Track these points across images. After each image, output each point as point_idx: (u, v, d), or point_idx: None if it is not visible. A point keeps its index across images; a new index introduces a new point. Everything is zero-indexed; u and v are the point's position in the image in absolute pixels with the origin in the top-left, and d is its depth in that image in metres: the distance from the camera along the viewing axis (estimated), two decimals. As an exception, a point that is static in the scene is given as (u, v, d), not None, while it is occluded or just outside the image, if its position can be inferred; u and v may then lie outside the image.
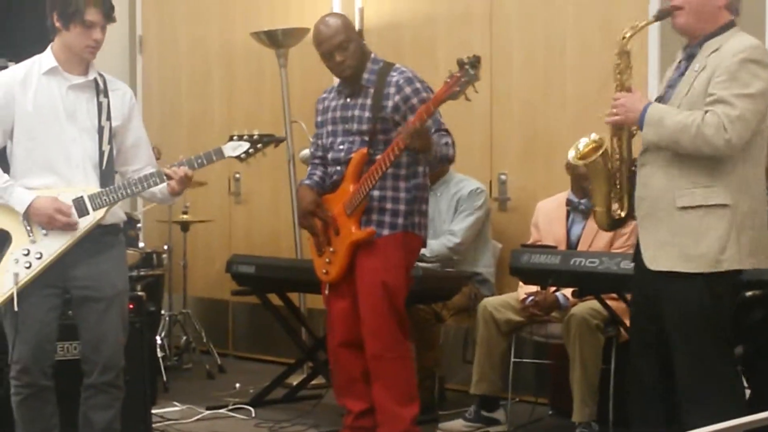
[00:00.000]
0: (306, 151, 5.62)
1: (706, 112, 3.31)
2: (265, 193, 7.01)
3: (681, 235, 3.40)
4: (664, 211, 3.43)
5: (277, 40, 6.22)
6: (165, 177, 3.90)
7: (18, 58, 4.08)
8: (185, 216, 6.59)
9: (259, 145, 4.03)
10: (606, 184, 3.64)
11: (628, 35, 3.53)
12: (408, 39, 6.09)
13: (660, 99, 3.53)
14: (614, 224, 3.69)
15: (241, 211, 7.19)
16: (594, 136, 3.71)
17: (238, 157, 4.01)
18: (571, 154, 3.73)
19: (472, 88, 4.02)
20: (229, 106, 7.24)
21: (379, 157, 4.35)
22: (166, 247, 6.60)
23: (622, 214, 3.63)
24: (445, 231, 5.48)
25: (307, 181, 4.63)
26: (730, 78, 3.32)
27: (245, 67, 7.13)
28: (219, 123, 7.23)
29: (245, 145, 4.01)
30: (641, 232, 3.55)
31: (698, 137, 3.31)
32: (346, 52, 4.44)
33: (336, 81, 4.72)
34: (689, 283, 3.38)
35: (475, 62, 4.00)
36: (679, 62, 3.54)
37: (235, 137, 4.02)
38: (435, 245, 5.34)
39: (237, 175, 7.09)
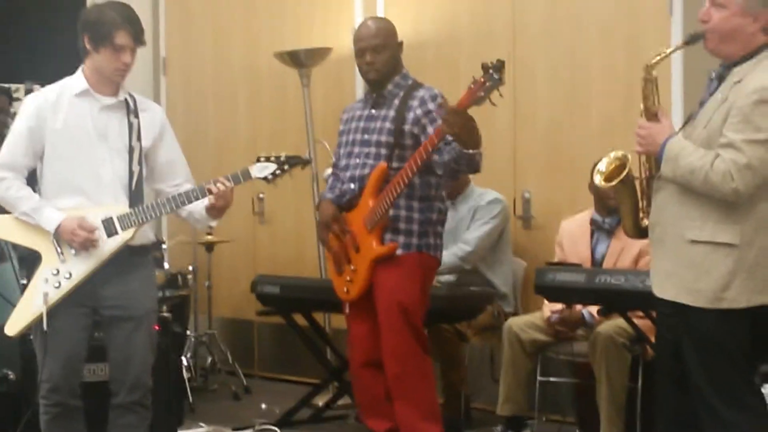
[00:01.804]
0: (329, 170, 5.63)
1: (717, 156, 3.25)
2: (289, 213, 7.02)
3: (684, 267, 3.34)
4: (672, 241, 3.38)
5: (300, 60, 6.25)
6: (201, 193, 3.91)
7: (46, 81, 4.11)
8: (210, 237, 6.61)
9: (285, 167, 4.05)
10: (632, 200, 3.61)
11: (653, 62, 3.45)
12: (431, 57, 6.09)
13: (692, 117, 3.47)
14: (642, 233, 3.61)
15: (266, 231, 7.20)
16: (615, 153, 3.66)
17: (264, 179, 4.03)
18: (597, 179, 3.69)
19: (497, 92, 3.95)
20: (254, 126, 7.25)
21: (396, 175, 4.31)
22: (191, 268, 6.60)
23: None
24: None
25: (329, 195, 4.62)
26: (743, 120, 3.24)
27: (269, 87, 7.15)
28: (244, 143, 7.25)
29: (272, 167, 4.02)
30: (652, 257, 3.52)
31: (707, 183, 3.26)
32: (378, 55, 4.47)
33: (360, 94, 4.72)
34: (696, 314, 3.34)
35: (500, 66, 3.93)
36: (711, 79, 3.48)
37: (262, 159, 4.04)
38: (445, 256, 4.96)
39: (261, 196, 7.11)
